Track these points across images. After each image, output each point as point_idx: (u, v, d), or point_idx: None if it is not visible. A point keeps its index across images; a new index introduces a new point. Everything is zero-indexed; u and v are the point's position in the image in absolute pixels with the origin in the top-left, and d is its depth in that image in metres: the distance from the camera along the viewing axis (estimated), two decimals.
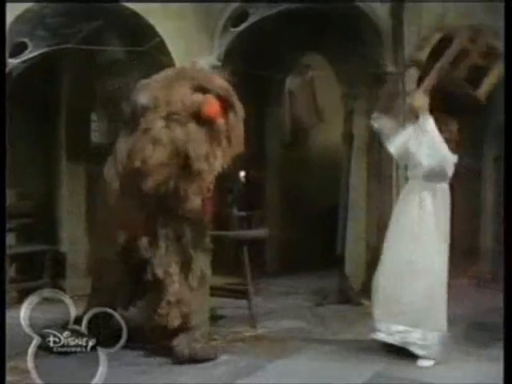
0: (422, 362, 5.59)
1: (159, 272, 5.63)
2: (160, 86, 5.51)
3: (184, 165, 5.37)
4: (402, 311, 5.64)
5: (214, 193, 5.81)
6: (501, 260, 5.51)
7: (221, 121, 5.46)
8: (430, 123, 5.66)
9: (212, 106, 5.44)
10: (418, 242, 5.64)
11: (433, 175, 5.69)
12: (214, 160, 5.45)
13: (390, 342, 5.69)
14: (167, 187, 5.40)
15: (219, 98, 5.48)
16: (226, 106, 5.51)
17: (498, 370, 4.74)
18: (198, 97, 5.44)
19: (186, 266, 5.75)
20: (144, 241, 5.63)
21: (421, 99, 5.77)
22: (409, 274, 5.63)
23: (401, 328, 5.64)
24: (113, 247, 5.69)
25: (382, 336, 5.74)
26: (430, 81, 5.97)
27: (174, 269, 5.66)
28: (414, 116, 5.84)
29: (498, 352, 4.99)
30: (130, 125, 5.61)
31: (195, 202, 5.51)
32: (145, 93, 5.52)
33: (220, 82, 5.58)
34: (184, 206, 5.54)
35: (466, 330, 6.57)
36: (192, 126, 5.40)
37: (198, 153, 5.37)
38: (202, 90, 5.48)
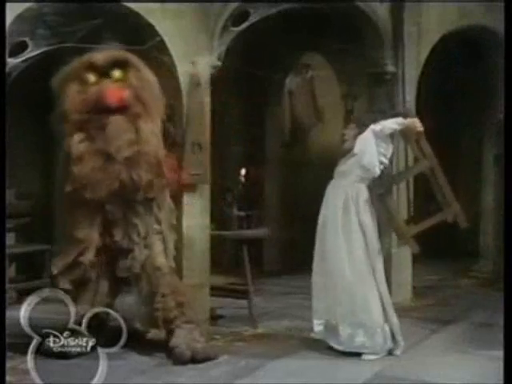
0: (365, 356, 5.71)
1: (145, 267, 5.64)
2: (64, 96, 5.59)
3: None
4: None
5: (169, 157, 5.82)
6: (501, 260, 5.53)
7: (124, 100, 5.46)
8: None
9: (109, 94, 5.46)
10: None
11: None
12: (140, 134, 5.45)
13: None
14: (113, 185, 5.41)
15: (115, 63, 5.55)
16: (124, 73, 5.55)
17: (497, 369, 4.75)
18: (92, 92, 5.48)
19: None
20: (119, 236, 5.63)
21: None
22: (321, 268, 5.92)
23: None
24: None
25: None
26: None
27: (161, 260, 5.68)
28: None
29: (498, 352, 4.99)
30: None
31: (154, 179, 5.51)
32: (60, 101, 5.65)
33: (105, 52, 5.67)
34: (147, 191, 5.54)
35: (466, 330, 6.58)
36: (106, 124, 5.41)
37: (120, 148, 5.39)
38: (96, 70, 5.54)
